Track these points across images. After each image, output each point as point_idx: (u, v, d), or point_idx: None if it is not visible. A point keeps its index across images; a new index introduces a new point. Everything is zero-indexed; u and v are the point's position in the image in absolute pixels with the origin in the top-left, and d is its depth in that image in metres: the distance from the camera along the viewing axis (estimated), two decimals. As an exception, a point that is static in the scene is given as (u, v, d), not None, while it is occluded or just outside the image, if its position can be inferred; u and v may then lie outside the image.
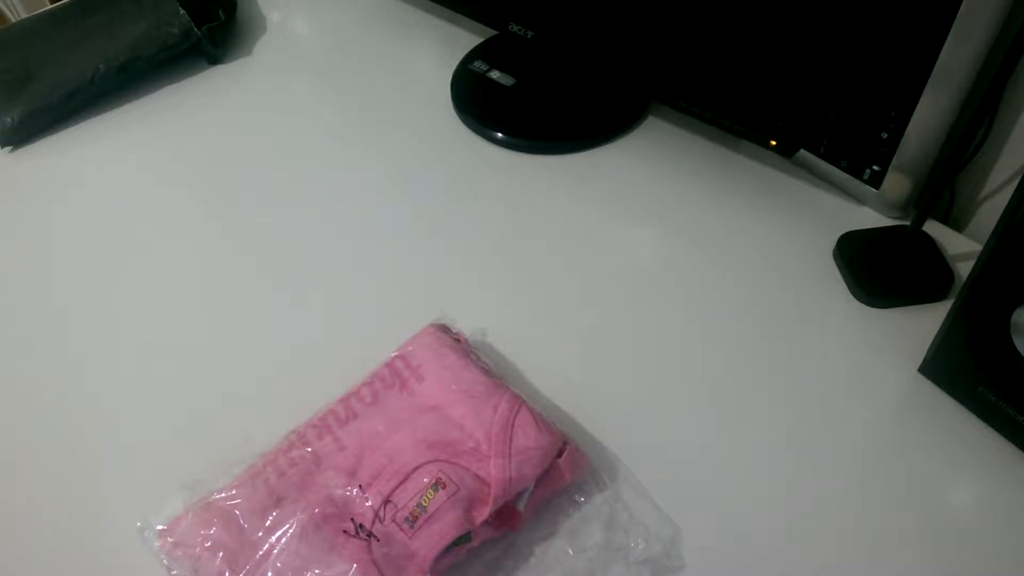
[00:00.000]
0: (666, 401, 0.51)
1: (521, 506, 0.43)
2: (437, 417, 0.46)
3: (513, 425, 0.44)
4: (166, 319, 0.57)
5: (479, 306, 0.57)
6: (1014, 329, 0.44)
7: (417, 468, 0.43)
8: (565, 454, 0.44)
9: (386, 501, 0.42)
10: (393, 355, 0.49)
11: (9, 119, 0.71)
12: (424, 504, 0.41)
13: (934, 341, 0.49)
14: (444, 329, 0.51)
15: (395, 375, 0.48)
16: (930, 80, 0.51)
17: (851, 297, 0.56)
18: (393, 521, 0.41)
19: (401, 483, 0.42)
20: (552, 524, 0.44)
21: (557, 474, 0.44)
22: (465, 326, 0.53)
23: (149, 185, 0.68)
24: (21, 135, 0.72)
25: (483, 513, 0.42)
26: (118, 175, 0.69)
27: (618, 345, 0.54)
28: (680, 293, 0.57)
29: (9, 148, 0.72)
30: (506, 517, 0.43)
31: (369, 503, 0.42)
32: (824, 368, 0.52)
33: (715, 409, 0.50)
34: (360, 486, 0.43)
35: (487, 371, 0.48)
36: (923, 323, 0.53)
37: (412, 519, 0.41)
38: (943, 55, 0.49)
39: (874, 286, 0.55)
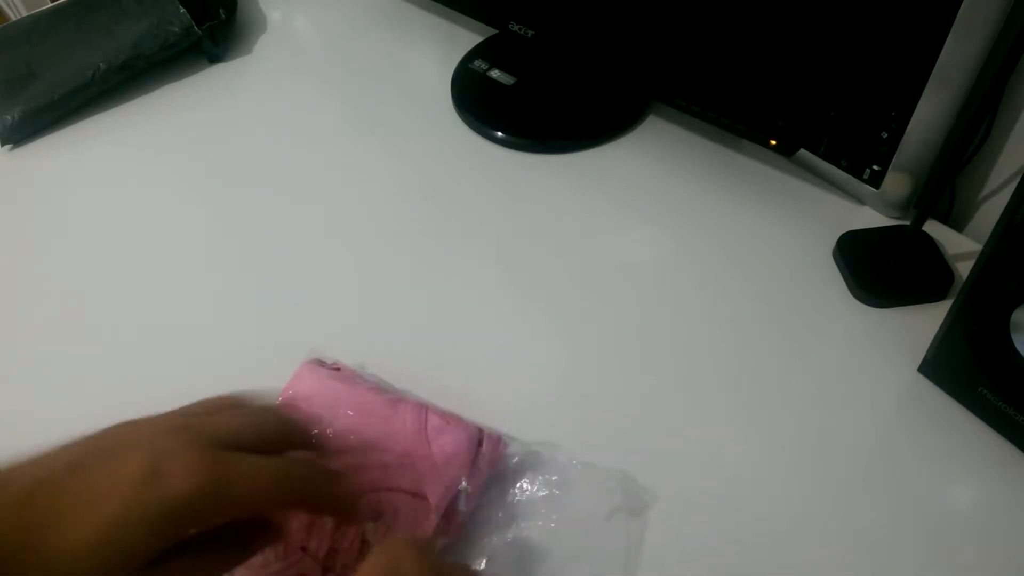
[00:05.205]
0: (664, 401, 0.51)
1: (462, 505, 0.43)
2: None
3: (426, 431, 0.44)
4: (167, 318, 0.57)
5: (479, 305, 0.57)
6: (1014, 329, 0.44)
7: None
8: (484, 442, 0.45)
9: (331, 550, 0.41)
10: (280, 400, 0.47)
11: (9, 117, 0.71)
12: (370, 540, 0.41)
13: (934, 341, 0.49)
14: (319, 363, 0.50)
15: None
16: (930, 80, 0.51)
17: (851, 297, 0.56)
18: (345, 567, 0.40)
19: (338, 526, 0.41)
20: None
21: (483, 463, 0.44)
22: (464, 325, 0.53)
23: (150, 183, 0.68)
24: (22, 133, 0.72)
25: (429, 527, 0.41)
26: (119, 173, 0.69)
27: (617, 344, 0.54)
28: (679, 292, 0.57)
29: (9, 146, 0.72)
30: (453, 519, 0.43)
31: (316, 560, 0.40)
32: (823, 368, 0.52)
33: (714, 408, 0.50)
34: (303, 548, 0.41)
35: (379, 389, 0.48)
36: (923, 323, 0.52)
37: (364, 556, 0.40)
38: (943, 55, 0.49)
39: (874, 286, 0.55)
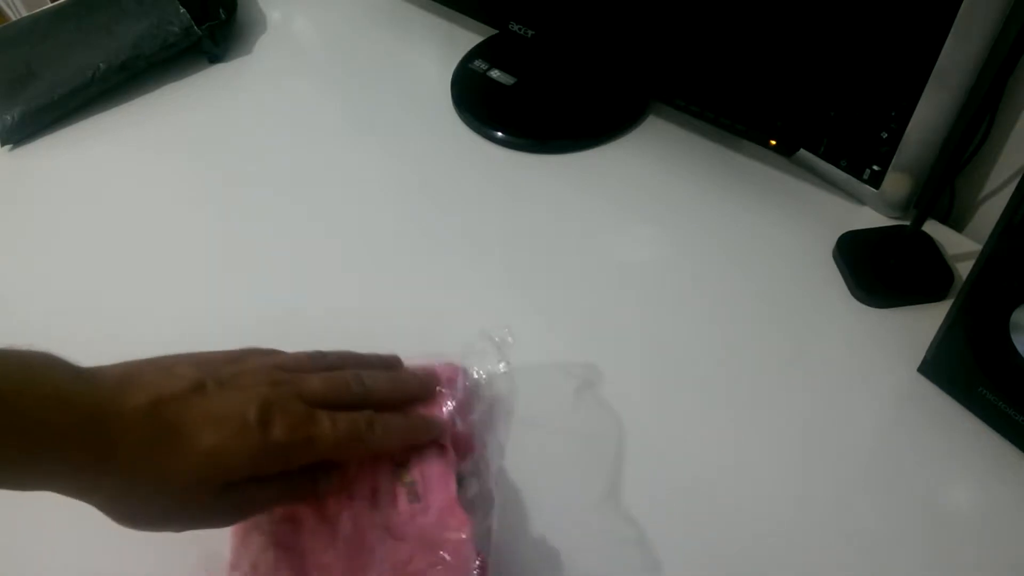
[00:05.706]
0: (664, 400, 0.51)
1: (460, 425, 0.44)
2: None
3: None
4: (167, 318, 0.57)
5: (478, 305, 0.57)
6: (1014, 329, 0.44)
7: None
8: (443, 367, 0.46)
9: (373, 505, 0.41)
10: None
11: (9, 117, 0.71)
12: (407, 480, 0.41)
13: (934, 341, 0.49)
14: None
15: None
16: (930, 80, 0.51)
17: (851, 297, 0.56)
18: (395, 508, 0.41)
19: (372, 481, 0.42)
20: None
21: (454, 382, 0.46)
22: (463, 325, 0.53)
23: (150, 183, 0.68)
24: (21, 133, 0.72)
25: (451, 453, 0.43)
26: (118, 173, 0.69)
27: (617, 344, 0.54)
28: (679, 292, 0.57)
29: (9, 146, 0.72)
30: (458, 438, 0.44)
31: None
32: (823, 368, 0.52)
33: (713, 409, 0.50)
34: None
35: None
36: (923, 323, 0.52)
37: (413, 495, 0.41)
38: (943, 55, 0.49)
39: (874, 286, 0.55)
